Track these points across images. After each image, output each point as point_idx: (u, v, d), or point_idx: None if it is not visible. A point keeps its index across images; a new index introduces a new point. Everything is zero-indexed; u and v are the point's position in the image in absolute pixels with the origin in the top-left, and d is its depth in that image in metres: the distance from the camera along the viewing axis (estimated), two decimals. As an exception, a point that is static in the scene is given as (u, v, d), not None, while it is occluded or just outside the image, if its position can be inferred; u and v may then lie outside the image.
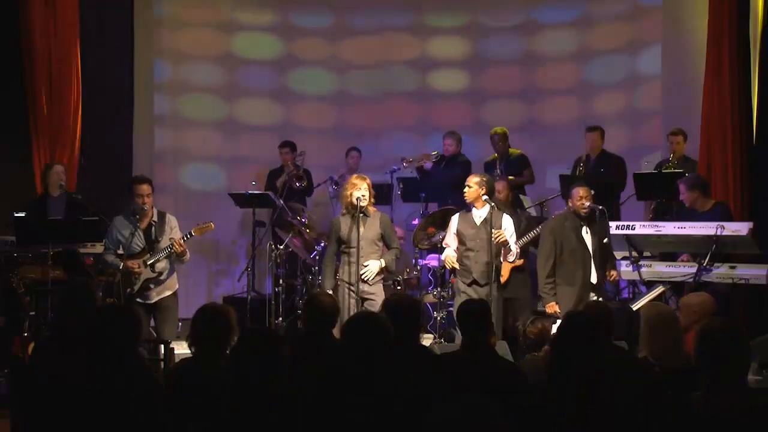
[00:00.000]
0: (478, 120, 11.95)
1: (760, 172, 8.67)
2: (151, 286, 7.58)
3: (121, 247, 7.54)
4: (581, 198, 7.46)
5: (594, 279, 7.45)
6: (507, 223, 7.60)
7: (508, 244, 7.43)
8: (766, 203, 8.55)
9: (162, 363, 6.45)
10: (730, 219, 7.96)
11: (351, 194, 7.39)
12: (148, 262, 7.51)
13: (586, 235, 7.49)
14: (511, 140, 10.49)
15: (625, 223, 8.24)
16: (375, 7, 12.06)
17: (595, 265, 7.43)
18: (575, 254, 7.45)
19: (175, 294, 7.74)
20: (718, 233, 7.56)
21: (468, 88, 12.04)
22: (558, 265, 7.50)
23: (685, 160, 9.37)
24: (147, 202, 7.53)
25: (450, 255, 7.66)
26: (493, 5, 11.99)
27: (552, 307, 7.41)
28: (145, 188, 7.53)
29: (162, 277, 7.60)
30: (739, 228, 7.62)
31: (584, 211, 7.44)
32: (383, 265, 7.40)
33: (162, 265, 7.57)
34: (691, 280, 7.62)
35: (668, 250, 8.24)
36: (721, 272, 7.64)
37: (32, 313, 7.89)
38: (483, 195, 7.51)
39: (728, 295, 7.84)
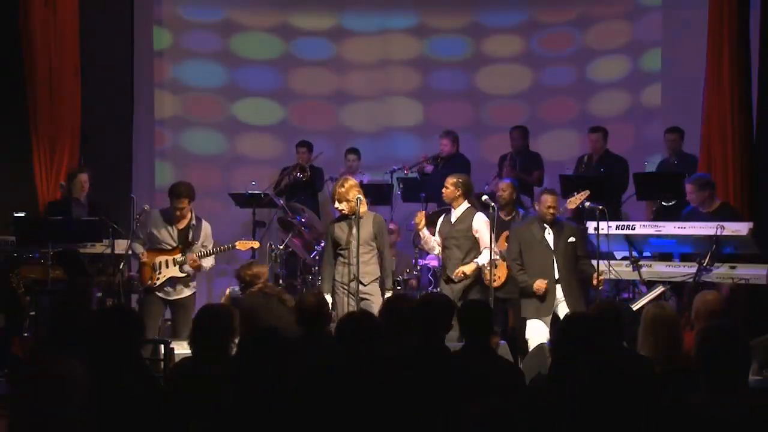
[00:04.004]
0: (478, 120, 11.96)
1: (760, 172, 8.67)
2: (173, 283, 7.74)
3: (149, 241, 7.75)
4: (549, 207, 7.63)
5: (557, 275, 7.58)
6: (478, 222, 7.72)
7: (465, 277, 7.64)
8: (766, 203, 8.55)
9: (162, 363, 6.46)
10: (740, 219, 7.95)
11: (340, 204, 7.44)
12: (178, 261, 7.69)
13: (549, 236, 7.65)
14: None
15: (625, 223, 8.24)
16: (375, 7, 12.06)
17: (558, 262, 7.59)
18: (536, 254, 7.65)
19: (193, 294, 7.89)
20: (718, 233, 7.55)
21: (468, 88, 12.04)
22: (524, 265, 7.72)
23: (684, 157, 9.39)
24: (183, 213, 7.76)
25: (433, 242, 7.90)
26: (493, 5, 11.99)
27: (540, 284, 7.51)
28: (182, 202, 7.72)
29: (185, 277, 7.79)
30: (739, 228, 7.62)
31: (549, 217, 7.64)
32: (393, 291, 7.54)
33: (207, 263, 7.85)
34: (691, 280, 7.62)
35: (668, 250, 8.23)
36: (721, 272, 7.64)
37: (32, 313, 7.90)
38: (458, 195, 7.77)
39: (728, 295, 7.84)
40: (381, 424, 3.92)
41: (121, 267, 8.05)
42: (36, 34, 9.33)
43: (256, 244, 8.33)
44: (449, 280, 7.71)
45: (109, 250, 8.25)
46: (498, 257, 7.78)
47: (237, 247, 8.00)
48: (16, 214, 8.30)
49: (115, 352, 4.07)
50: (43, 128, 9.37)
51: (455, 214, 7.82)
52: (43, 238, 7.96)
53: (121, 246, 8.22)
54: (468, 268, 7.64)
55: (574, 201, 8.06)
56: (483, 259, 7.64)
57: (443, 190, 7.89)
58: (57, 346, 4.86)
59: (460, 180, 7.86)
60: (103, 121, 10.17)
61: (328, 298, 7.43)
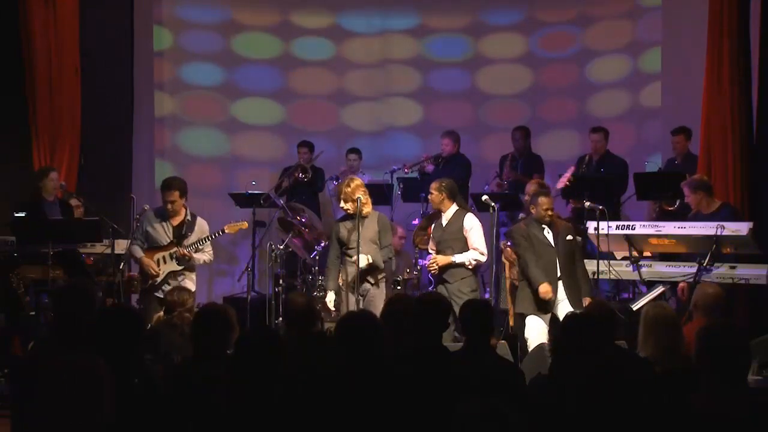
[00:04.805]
0: (478, 120, 11.96)
1: (760, 172, 8.67)
2: (171, 282, 7.76)
3: (146, 241, 7.80)
4: (547, 209, 7.61)
5: (559, 273, 7.54)
6: (469, 222, 7.74)
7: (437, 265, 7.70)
8: (766, 203, 8.55)
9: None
10: (740, 219, 7.94)
11: (346, 203, 7.53)
12: (174, 255, 7.75)
13: (548, 235, 7.62)
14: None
15: (625, 223, 8.24)
16: (375, 7, 12.06)
17: (559, 260, 7.54)
18: (540, 253, 7.58)
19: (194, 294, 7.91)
20: (718, 233, 7.55)
21: (468, 88, 12.04)
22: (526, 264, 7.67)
23: (689, 158, 9.39)
24: (174, 207, 7.80)
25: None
26: (493, 5, 11.99)
27: (546, 289, 7.46)
28: (172, 195, 7.76)
29: (184, 270, 7.84)
30: (739, 228, 7.62)
31: (548, 219, 7.62)
32: (369, 261, 7.49)
33: (202, 258, 7.91)
34: (691, 280, 7.62)
35: (668, 250, 8.23)
36: (721, 272, 7.64)
37: (32, 313, 7.90)
38: (444, 198, 7.78)
39: (728, 295, 7.85)
40: (381, 425, 3.92)
41: (121, 267, 8.06)
42: (36, 34, 9.33)
43: (244, 225, 8.30)
44: (443, 281, 7.72)
45: (109, 250, 8.26)
46: (483, 258, 7.79)
47: (226, 231, 8.08)
48: (16, 214, 8.30)
49: (115, 351, 4.06)
50: (43, 128, 9.36)
51: (445, 217, 7.83)
52: (43, 238, 7.96)
53: (121, 246, 8.23)
54: (443, 259, 7.68)
55: (563, 181, 8.10)
56: (462, 257, 7.66)
57: (429, 196, 7.90)
58: (58, 345, 4.86)
59: (443, 183, 7.87)
60: (103, 121, 10.17)
61: (332, 295, 7.55)
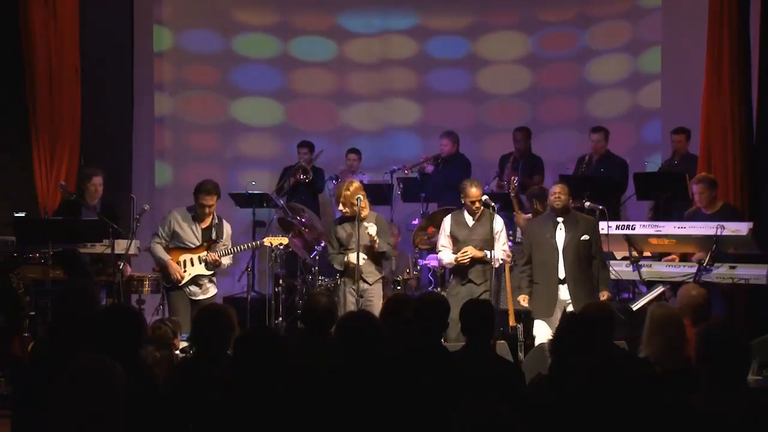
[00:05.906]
0: (478, 120, 11.96)
1: (760, 172, 8.67)
2: (200, 283, 7.86)
3: (172, 240, 7.85)
4: (554, 193, 7.54)
5: (562, 275, 7.45)
6: (499, 224, 7.77)
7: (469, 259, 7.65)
8: (766, 203, 8.55)
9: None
10: (740, 220, 7.94)
11: (344, 207, 7.61)
12: (203, 258, 7.81)
13: (560, 231, 7.50)
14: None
15: (625, 223, 8.24)
16: (375, 7, 12.06)
17: (564, 261, 7.43)
18: (542, 252, 7.53)
19: (215, 295, 8.05)
20: (718, 233, 7.56)
21: (468, 88, 12.04)
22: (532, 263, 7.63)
23: (687, 158, 9.39)
24: (211, 210, 7.87)
25: (452, 256, 7.80)
26: (492, 5, 11.99)
27: (524, 299, 7.56)
28: (212, 199, 7.82)
29: (212, 274, 7.92)
30: (739, 228, 7.62)
31: (558, 204, 7.50)
32: (374, 236, 7.52)
33: (226, 261, 7.97)
34: (691, 280, 7.62)
35: (668, 250, 8.23)
36: (721, 272, 7.64)
37: (32, 313, 7.89)
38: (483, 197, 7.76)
39: (728, 295, 7.86)
40: (381, 425, 3.93)
41: (121, 267, 8.06)
42: (36, 34, 9.31)
43: (285, 240, 8.41)
44: (469, 281, 7.69)
45: (109, 250, 8.24)
46: (509, 259, 7.80)
47: (265, 244, 8.18)
48: (16, 214, 8.30)
49: (115, 351, 4.06)
50: (43, 128, 9.35)
51: (471, 217, 7.78)
52: (43, 238, 7.96)
53: (121, 246, 8.22)
54: (476, 252, 7.66)
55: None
56: (492, 254, 7.63)
57: (474, 206, 7.66)
58: (58, 345, 4.86)
59: (479, 183, 7.87)
60: (103, 121, 10.17)
61: (350, 256, 7.59)
